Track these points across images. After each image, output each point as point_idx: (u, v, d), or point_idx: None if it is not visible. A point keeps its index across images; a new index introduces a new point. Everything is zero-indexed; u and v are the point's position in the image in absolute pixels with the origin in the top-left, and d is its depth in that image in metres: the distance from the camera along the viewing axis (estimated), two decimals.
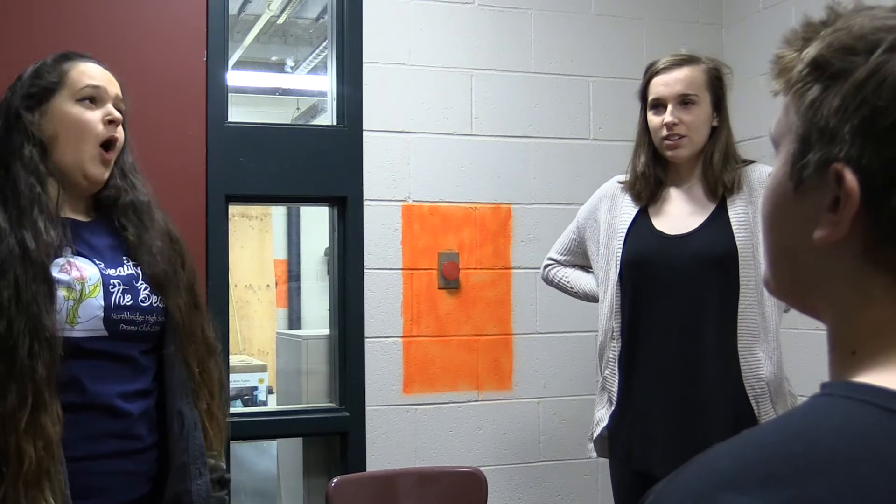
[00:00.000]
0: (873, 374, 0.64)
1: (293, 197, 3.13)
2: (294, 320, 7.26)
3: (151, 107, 2.04)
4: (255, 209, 6.76)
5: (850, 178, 0.64)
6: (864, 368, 0.65)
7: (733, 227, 2.17)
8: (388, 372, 2.95)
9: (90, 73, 1.71)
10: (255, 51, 5.78)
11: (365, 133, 2.96)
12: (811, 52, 0.68)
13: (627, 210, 2.30)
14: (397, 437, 2.95)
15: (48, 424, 1.49)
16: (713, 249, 2.17)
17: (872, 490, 0.57)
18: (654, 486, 0.65)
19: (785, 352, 3.06)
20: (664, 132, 2.21)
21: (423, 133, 3.03)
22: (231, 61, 3.15)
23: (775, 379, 2.18)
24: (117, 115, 1.70)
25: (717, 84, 2.24)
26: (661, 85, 2.23)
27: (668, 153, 2.23)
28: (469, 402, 3.03)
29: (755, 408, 2.15)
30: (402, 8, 3.02)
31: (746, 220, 2.17)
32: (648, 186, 2.28)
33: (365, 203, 2.94)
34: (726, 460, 0.62)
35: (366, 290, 2.94)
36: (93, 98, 1.69)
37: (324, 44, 4.04)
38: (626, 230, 2.27)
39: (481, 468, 2.71)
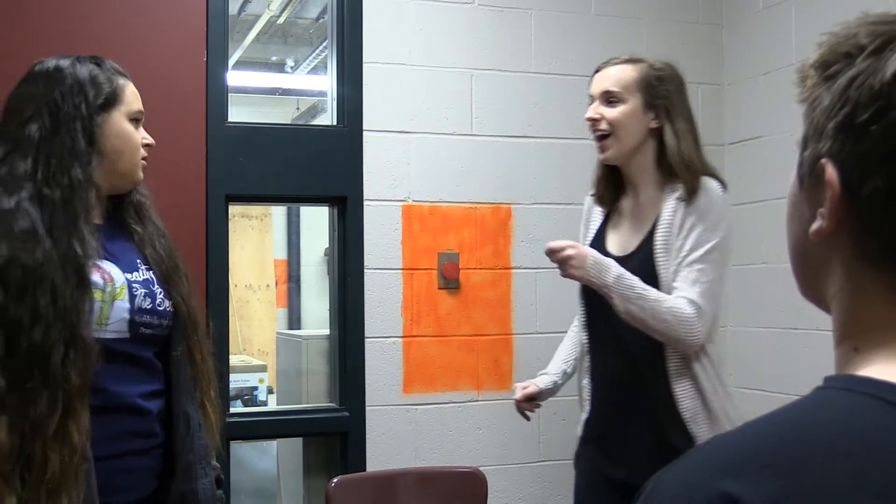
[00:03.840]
0: (876, 368, 0.65)
1: (293, 197, 3.13)
2: (294, 320, 7.27)
3: (151, 106, 2.05)
4: (255, 209, 6.76)
5: (830, 172, 0.67)
6: (867, 363, 0.66)
7: (656, 251, 2.12)
8: (388, 372, 2.95)
9: (137, 95, 1.78)
10: (255, 51, 5.78)
11: (365, 133, 2.96)
12: (816, 56, 0.72)
13: (595, 223, 2.30)
14: (397, 437, 2.95)
15: (74, 433, 1.50)
16: (643, 275, 2.12)
17: (868, 481, 0.58)
18: (652, 477, 0.66)
19: (785, 352, 3.07)
20: (590, 127, 2.19)
21: (423, 133, 3.03)
22: (231, 61, 3.15)
23: (709, 399, 2.12)
24: (151, 140, 1.81)
25: (653, 85, 2.16)
26: (594, 82, 2.22)
27: (599, 155, 2.21)
28: (469, 402, 3.03)
29: (689, 428, 2.11)
30: (402, 8, 3.02)
31: (671, 239, 2.10)
32: (603, 189, 2.27)
33: (365, 203, 2.94)
34: (725, 450, 0.64)
35: (366, 290, 2.94)
36: (138, 119, 1.78)
37: (324, 44, 4.04)
38: (589, 245, 2.26)
39: (481, 468, 2.71)
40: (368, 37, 2.97)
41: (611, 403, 2.23)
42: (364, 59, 2.97)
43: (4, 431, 1.44)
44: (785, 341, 3.08)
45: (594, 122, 2.18)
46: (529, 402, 2.39)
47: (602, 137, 2.17)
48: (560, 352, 2.49)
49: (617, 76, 2.17)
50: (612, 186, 2.25)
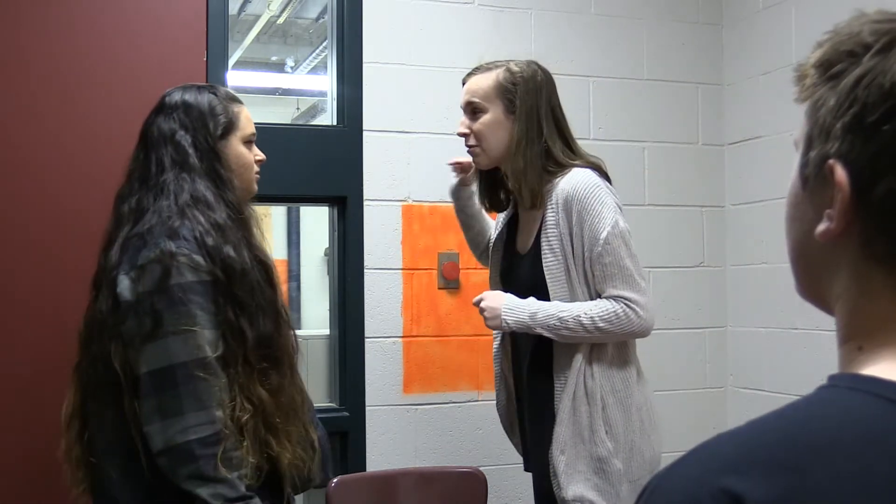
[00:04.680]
0: (880, 367, 0.65)
1: (293, 197, 3.13)
2: (294, 320, 7.24)
3: (151, 107, 2.05)
4: (256, 209, 6.74)
5: (840, 173, 0.66)
6: (871, 363, 0.66)
7: (542, 251, 2.14)
8: (388, 372, 2.95)
9: (249, 118, 2.00)
10: (255, 51, 5.77)
11: (365, 133, 2.96)
12: (818, 55, 0.71)
13: (499, 226, 2.36)
14: (397, 437, 2.95)
15: (296, 393, 1.89)
16: (532, 274, 2.17)
17: (873, 478, 0.58)
18: (656, 473, 0.66)
19: (785, 352, 3.06)
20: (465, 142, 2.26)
21: (423, 133, 3.03)
22: (231, 61, 3.15)
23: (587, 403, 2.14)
24: (263, 156, 2.05)
25: (509, 90, 2.18)
26: (461, 96, 2.28)
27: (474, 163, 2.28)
28: (469, 402, 3.03)
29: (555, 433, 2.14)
30: (402, 8, 3.02)
31: (556, 240, 2.12)
32: (487, 197, 2.33)
33: (365, 203, 2.94)
34: (729, 446, 0.63)
35: (366, 290, 2.94)
36: (252, 141, 2.00)
37: (324, 44, 4.04)
38: (495, 240, 2.34)
39: (481, 468, 2.71)
40: (368, 37, 2.97)
41: (519, 404, 2.32)
42: (364, 59, 2.96)
43: (267, 396, 1.79)
44: (785, 341, 3.07)
45: (464, 136, 2.23)
46: (464, 173, 2.44)
47: (473, 147, 2.23)
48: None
49: (476, 87, 2.22)
50: (501, 190, 2.30)
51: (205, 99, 1.93)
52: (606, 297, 2.08)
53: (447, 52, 3.06)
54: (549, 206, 2.13)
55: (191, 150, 1.86)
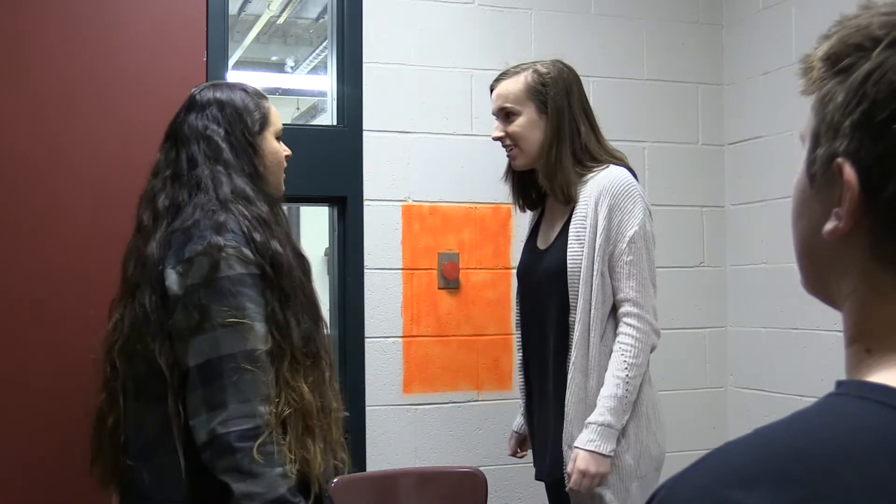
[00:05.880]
0: (889, 374, 0.64)
1: (293, 197, 3.10)
2: None
3: (151, 107, 2.05)
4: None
5: (849, 172, 0.65)
6: (880, 367, 0.65)
7: (568, 242, 2.18)
8: (388, 372, 2.95)
9: (277, 114, 2.01)
10: (255, 51, 5.78)
11: (365, 133, 2.96)
12: (825, 48, 0.69)
13: (531, 221, 2.42)
14: (397, 437, 2.95)
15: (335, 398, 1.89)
16: (554, 265, 2.21)
17: (885, 491, 0.57)
18: (664, 482, 0.65)
19: (784, 352, 3.06)
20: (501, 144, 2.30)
21: (423, 133, 3.03)
22: (231, 61, 3.15)
23: (591, 398, 2.16)
24: (289, 151, 2.06)
25: (540, 91, 2.23)
26: (492, 101, 2.32)
27: (513, 164, 2.33)
28: (469, 402, 3.03)
29: (567, 427, 2.16)
30: (402, 8, 3.02)
31: (583, 232, 2.16)
32: (519, 195, 2.38)
33: (365, 203, 2.94)
34: (737, 456, 0.62)
35: (366, 290, 2.94)
36: (279, 137, 2.01)
37: (324, 44, 4.04)
38: (524, 242, 2.40)
39: (481, 468, 2.71)
40: (368, 37, 2.97)
41: (532, 403, 2.36)
42: (364, 59, 2.97)
43: (309, 394, 1.77)
44: (785, 341, 3.07)
45: (500, 139, 2.28)
46: (522, 448, 2.51)
47: (510, 149, 2.28)
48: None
49: (507, 92, 2.26)
50: (532, 189, 2.34)
51: (237, 96, 1.93)
52: (621, 329, 2.12)
53: (447, 52, 3.06)
54: (581, 200, 2.18)
55: (224, 146, 1.86)
